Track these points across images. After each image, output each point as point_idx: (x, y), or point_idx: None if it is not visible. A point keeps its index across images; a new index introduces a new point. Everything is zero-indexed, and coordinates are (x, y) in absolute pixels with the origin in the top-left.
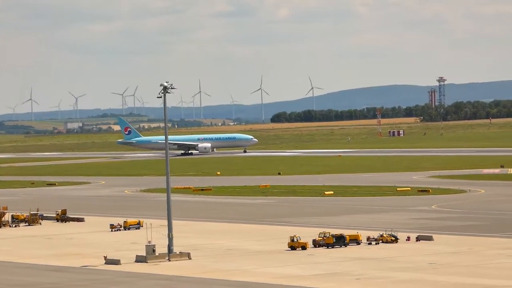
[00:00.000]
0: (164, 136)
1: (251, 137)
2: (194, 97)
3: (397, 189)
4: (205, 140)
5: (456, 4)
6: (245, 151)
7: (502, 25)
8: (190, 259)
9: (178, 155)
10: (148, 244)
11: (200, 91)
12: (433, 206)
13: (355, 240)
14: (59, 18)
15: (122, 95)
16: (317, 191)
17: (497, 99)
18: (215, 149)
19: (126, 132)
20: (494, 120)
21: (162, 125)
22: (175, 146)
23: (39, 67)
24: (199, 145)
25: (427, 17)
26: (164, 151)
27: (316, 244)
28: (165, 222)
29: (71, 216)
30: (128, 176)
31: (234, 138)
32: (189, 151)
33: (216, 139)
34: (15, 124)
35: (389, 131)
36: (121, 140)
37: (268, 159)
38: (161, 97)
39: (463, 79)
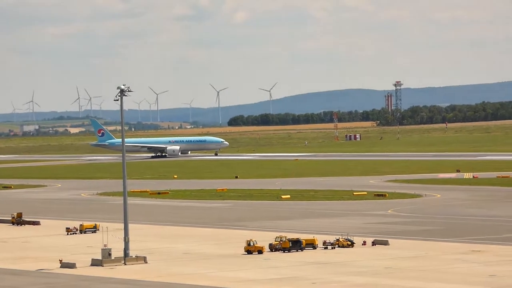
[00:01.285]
0: (136, 139)
1: (222, 140)
2: (151, 100)
3: (354, 193)
4: (176, 142)
5: (412, 9)
6: (216, 154)
7: (458, 30)
8: (146, 263)
9: (149, 158)
10: (104, 247)
11: (157, 94)
12: (389, 211)
13: (312, 245)
14: (16, 21)
15: (78, 97)
16: (274, 195)
17: (453, 104)
18: (189, 152)
19: (100, 134)
20: (450, 125)
21: (119, 127)
22: (145, 149)
23: None
24: (167, 148)
25: (383, 21)
26: (131, 154)
27: (272, 248)
28: (122, 225)
29: (26, 219)
30: (85, 179)
31: (204, 141)
32: (163, 154)
33: (187, 141)
34: None
35: (346, 135)
36: (94, 143)
37: (225, 162)
38: (118, 100)
39: (419, 84)
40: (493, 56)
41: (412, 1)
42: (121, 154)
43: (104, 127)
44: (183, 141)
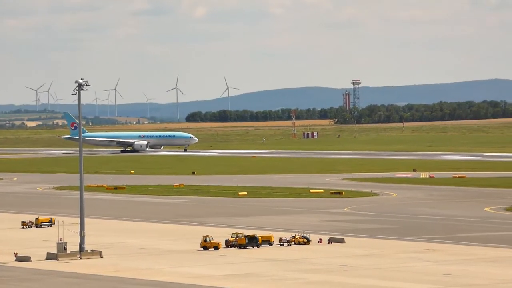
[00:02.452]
0: (105, 133)
1: (191, 135)
2: (109, 95)
3: (310, 191)
4: (146, 137)
5: (371, 8)
6: (185, 150)
7: (416, 29)
8: (101, 257)
9: (118, 152)
10: (60, 241)
11: (115, 89)
12: (345, 209)
13: (268, 241)
14: None
15: (36, 91)
16: (231, 192)
17: (411, 103)
18: (162, 147)
19: (73, 128)
20: (407, 124)
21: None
22: (114, 143)
23: None
24: (135, 143)
25: (342, 20)
26: (101, 148)
27: (228, 244)
28: (78, 220)
29: None
30: (42, 173)
31: (173, 136)
32: (131, 149)
33: (156, 136)
34: None
35: (304, 133)
36: (67, 136)
37: (181, 158)
38: (75, 94)
39: (377, 83)
40: (451, 56)
41: (371, 0)
42: (90, 148)
43: (75, 120)
44: (152, 136)
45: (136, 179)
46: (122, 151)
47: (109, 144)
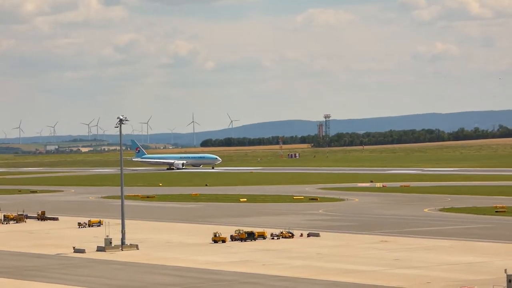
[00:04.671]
0: (156, 155)
1: (216, 157)
2: (142, 127)
3: (294, 197)
4: (184, 158)
5: (338, 61)
6: (213, 168)
7: (372, 77)
8: (138, 249)
9: (164, 170)
10: (106, 237)
11: (147, 122)
12: (320, 211)
13: (262, 236)
14: (42, 67)
15: (88, 125)
16: (234, 198)
17: (368, 131)
18: (201, 166)
19: (137, 151)
20: (366, 147)
21: (118, 147)
22: (161, 163)
23: (26, 104)
24: (175, 163)
25: (317, 70)
26: (158, 166)
27: (233, 238)
28: (120, 221)
29: (48, 216)
30: (93, 186)
31: (203, 157)
32: (173, 167)
33: (192, 158)
34: (6, 146)
35: (288, 154)
36: (135, 158)
37: (198, 174)
38: (117, 127)
39: (343, 116)
40: (399, 96)
41: (338, 54)
42: (152, 167)
43: (139, 145)
44: (189, 157)
45: (163, 190)
46: (167, 169)
47: (156, 163)
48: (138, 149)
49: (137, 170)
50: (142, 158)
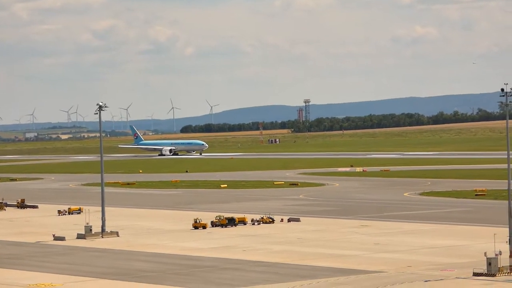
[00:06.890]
0: (147, 141)
1: (203, 143)
2: (121, 113)
3: (274, 182)
4: (172, 144)
5: (317, 46)
6: (200, 154)
7: (352, 61)
8: (118, 236)
9: (156, 156)
10: (86, 225)
11: (126, 109)
12: (300, 196)
13: (243, 221)
14: (20, 54)
15: (67, 112)
16: (215, 185)
17: (348, 116)
18: (194, 152)
19: (135, 137)
20: (346, 132)
21: (98, 134)
22: (151, 149)
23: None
24: (163, 149)
25: (296, 55)
26: (151, 152)
27: (213, 224)
28: (100, 208)
29: (28, 204)
30: (73, 173)
31: (191, 143)
32: (161, 153)
33: (180, 143)
34: None
35: (268, 140)
36: (132, 144)
37: (179, 160)
38: (97, 113)
39: (323, 101)
40: (379, 80)
41: (317, 40)
42: (148, 153)
43: (138, 132)
44: (178, 143)
45: (144, 177)
46: (159, 155)
47: (148, 149)
48: (136, 135)
49: (116, 156)
50: (139, 144)
